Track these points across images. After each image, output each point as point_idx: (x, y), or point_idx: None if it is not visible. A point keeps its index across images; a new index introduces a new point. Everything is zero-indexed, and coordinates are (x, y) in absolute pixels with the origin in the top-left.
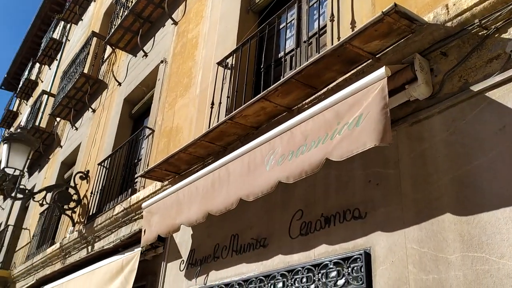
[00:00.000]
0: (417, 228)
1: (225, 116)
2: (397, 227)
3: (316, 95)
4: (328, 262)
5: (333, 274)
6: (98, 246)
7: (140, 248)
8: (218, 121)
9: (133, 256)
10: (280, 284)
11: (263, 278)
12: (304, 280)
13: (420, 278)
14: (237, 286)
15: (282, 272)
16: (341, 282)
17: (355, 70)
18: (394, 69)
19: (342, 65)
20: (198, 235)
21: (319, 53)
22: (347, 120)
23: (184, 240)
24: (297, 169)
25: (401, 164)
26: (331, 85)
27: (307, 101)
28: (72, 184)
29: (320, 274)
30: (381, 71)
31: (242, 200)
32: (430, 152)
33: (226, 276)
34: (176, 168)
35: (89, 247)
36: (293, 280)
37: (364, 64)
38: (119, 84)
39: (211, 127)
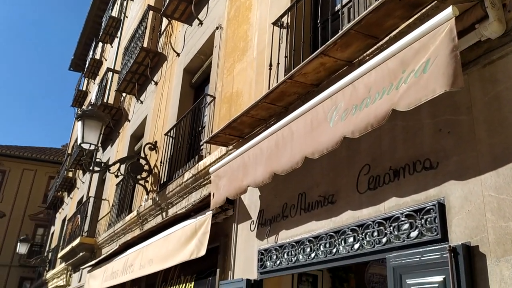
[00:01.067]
0: (494, 174)
1: (284, 76)
2: (472, 175)
3: (377, 45)
4: (399, 215)
5: (405, 226)
6: (171, 212)
7: (211, 212)
8: (277, 82)
9: (205, 219)
10: (351, 239)
11: (333, 234)
12: (375, 234)
13: (499, 225)
14: (307, 243)
15: (352, 227)
16: (414, 234)
17: (419, 14)
18: (462, 8)
19: (405, 10)
20: (265, 195)
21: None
22: (413, 67)
23: (252, 202)
24: (362, 123)
25: (474, 109)
26: (393, 33)
27: (368, 52)
28: (142, 155)
29: (391, 227)
30: (448, 11)
31: (307, 158)
32: (506, 94)
33: (296, 234)
34: (239, 132)
35: (163, 213)
36: (364, 234)
37: (429, 6)
38: (178, 54)
39: (271, 88)
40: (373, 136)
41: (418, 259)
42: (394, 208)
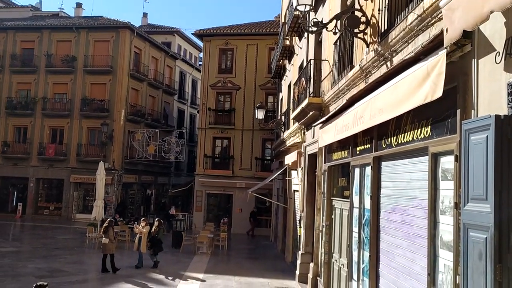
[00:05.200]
0: None
1: None
2: None
3: None
4: None
5: None
6: (396, 60)
7: (444, 50)
8: None
9: (438, 60)
10: None
11: None
12: None
13: None
14: None
15: None
16: None
17: None
18: None
19: None
20: None
21: None
22: None
23: (496, 30)
24: None
25: None
26: None
27: None
28: (357, 7)
29: None
30: None
31: None
32: None
33: None
34: None
35: (388, 63)
36: None
37: None
38: None
39: None
40: None
41: None
42: None
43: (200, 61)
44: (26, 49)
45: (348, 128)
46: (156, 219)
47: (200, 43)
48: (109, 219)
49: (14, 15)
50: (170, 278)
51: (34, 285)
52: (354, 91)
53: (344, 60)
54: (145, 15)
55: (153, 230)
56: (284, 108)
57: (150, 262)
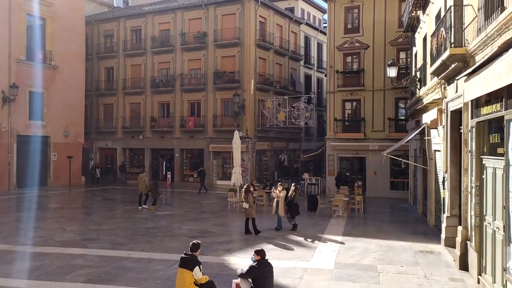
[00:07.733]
0: None
1: None
2: None
3: None
4: None
5: None
6: None
7: None
8: None
9: None
10: None
11: None
12: None
13: None
14: None
15: None
16: None
17: None
18: None
19: None
20: None
21: None
22: None
23: None
24: None
25: None
26: None
27: None
28: None
29: None
30: None
31: None
32: None
33: None
34: None
35: None
36: None
37: None
38: None
39: None
40: None
41: None
42: None
43: (325, 23)
44: (163, 31)
45: (502, 78)
46: (293, 184)
47: (324, 5)
48: (247, 185)
49: (150, 0)
50: (309, 240)
51: (191, 243)
52: (506, 36)
53: (493, 2)
54: None
55: (289, 194)
56: (419, 63)
57: (289, 225)
